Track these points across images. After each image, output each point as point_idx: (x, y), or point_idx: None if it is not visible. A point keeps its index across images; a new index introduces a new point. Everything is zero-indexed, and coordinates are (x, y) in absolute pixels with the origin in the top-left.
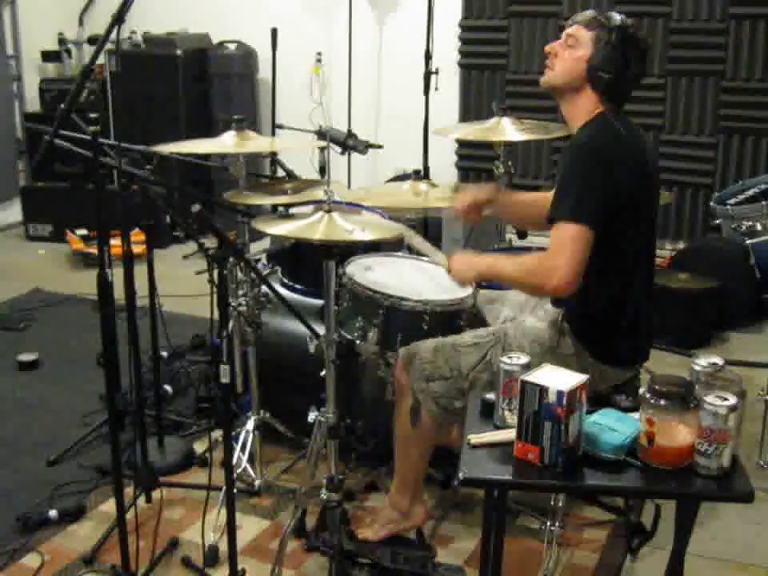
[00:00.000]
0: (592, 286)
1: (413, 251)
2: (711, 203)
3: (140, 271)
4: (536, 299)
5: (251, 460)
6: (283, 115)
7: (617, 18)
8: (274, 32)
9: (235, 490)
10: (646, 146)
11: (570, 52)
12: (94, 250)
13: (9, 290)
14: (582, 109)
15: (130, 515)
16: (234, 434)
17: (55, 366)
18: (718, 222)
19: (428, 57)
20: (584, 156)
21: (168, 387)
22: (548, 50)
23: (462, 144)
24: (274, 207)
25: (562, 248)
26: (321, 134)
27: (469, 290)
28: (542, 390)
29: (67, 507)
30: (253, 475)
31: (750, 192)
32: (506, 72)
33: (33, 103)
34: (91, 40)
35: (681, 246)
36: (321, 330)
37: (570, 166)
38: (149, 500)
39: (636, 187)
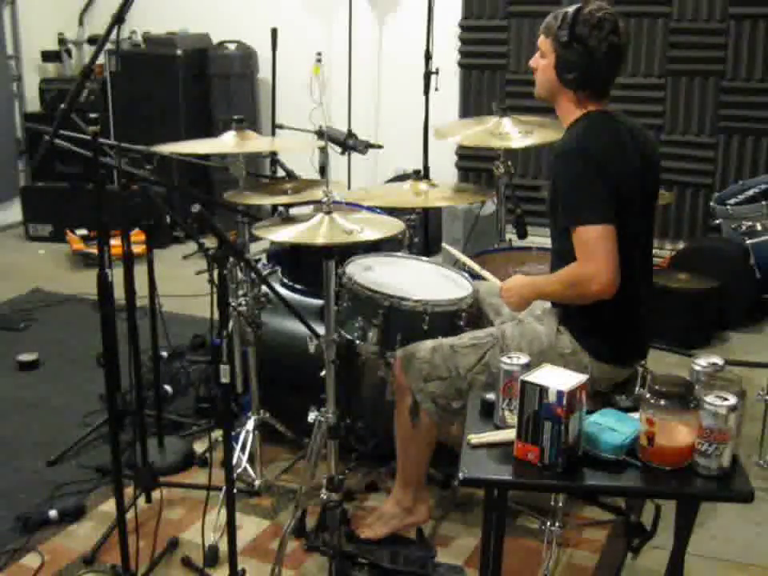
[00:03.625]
0: None
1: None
2: (711, 203)
3: (140, 271)
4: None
5: (251, 460)
6: (283, 115)
7: (566, 10)
8: (274, 32)
9: (235, 490)
10: (639, 141)
11: (542, 63)
12: (94, 250)
13: (9, 290)
14: (568, 110)
15: (130, 515)
16: (233, 433)
17: (55, 366)
18: (718, 221)
19: (428, 57)
20: (577, 158)
21: (168, 387)
22: (530, 65)
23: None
24: (274, 207)
25: (592, 251)
26: (320, 134)
27: (468, 290)
28: (542, 390)
29: (67, 507)
30: (253, 475)
31: (750, 192)
32: (506, 72)
33: (33, 103)
34: (91, 40)
35: (681, 246)
36: (321, 330)
37: (568, 170)
38: (149, 500)
39: (628, 183)
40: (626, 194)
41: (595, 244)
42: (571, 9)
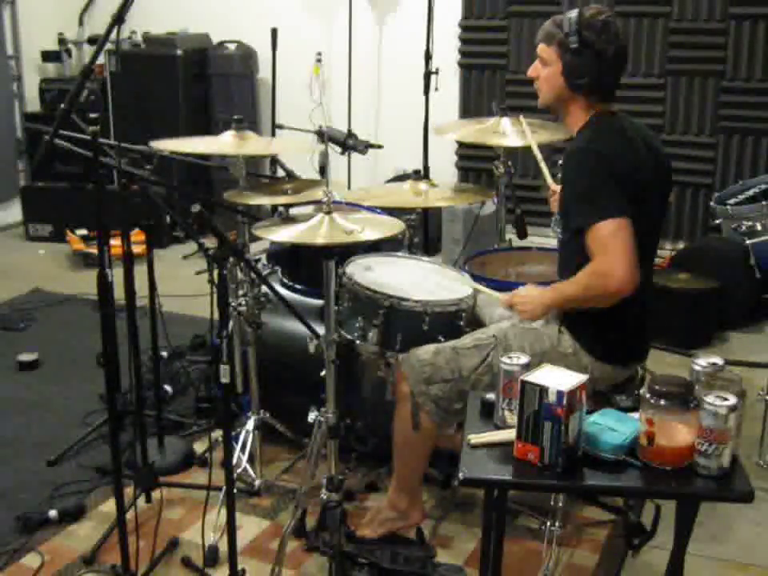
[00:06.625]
0: None
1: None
2: (711, 203)
3: (140, 271)
4: None
5: (251, 460)
6: (283, 115)
7: (568, 16)
8: (274, 32)
9: (235, 490)
10: (646, 142)
11: (546, 71)
12: (93, 250)
13: (9, 289)
14: (577, 115)
15: (129, 515)
16: (234, 433)
17: (55, 366)
18: (718, 221)
19: (428, 57)
20: (588, 157)
21: (168, 387)
22: (530, 75)
23: (462, 144)
24: (274, 207)
25: (606, 248)
26: (321, 134)
27: (468, 290)
28: (542, 390)
29: (67, 507)
30: (253, 475)
31: (750, 192)
32: (506, 72)
33: (33, 103)
34: (91, 40)
35: (681, 245)
36: (321, 330)
37: (578, 171)
38: (149, 500)
39: (640, 181)
40: (639, 193)
41: (609, 238)
42: (571, 15)
